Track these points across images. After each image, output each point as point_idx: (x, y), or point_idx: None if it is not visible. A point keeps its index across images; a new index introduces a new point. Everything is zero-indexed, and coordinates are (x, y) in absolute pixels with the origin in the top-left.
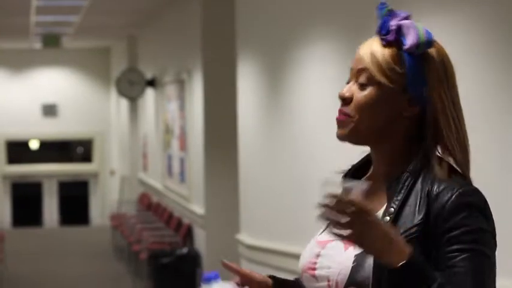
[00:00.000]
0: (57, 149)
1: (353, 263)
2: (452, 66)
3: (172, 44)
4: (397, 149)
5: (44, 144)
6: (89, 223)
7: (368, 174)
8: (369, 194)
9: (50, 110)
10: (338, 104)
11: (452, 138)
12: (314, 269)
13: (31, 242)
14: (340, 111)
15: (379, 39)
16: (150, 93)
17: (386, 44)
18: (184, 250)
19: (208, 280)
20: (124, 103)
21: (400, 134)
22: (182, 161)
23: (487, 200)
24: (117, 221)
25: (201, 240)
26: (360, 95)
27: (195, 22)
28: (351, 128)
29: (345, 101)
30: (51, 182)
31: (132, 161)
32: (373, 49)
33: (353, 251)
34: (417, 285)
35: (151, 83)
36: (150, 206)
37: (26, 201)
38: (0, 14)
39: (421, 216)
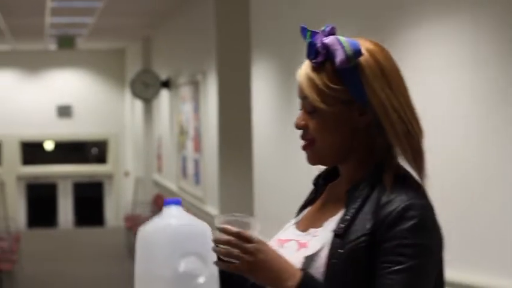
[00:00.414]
0: (72, 150)
1: (302, 265)
2: (392, 63)
3: (186, 45)
4: (360, 158)
5: (58, 145)
6: (103, 224)
7: (338, 178)
8: (333, 199)
9: (64, 111)
10: None
11: (399, 140)
12: None
13: (46, 243)
14: (302, 139)
15: (311, 63)
16: (164, 95)
17: (319, 66)
18: None
19: (169, 203)
20: (138, 104)
21: (360, 143)
22: (197, 163)
23: (494, 195)
24: (132, 222)
25: None
26: (312, 123)
27: (209, 23)
28: (318, 154)
29: (302, 129)
30: (66, 183)
31: (146, 162)
32: (309, 75)
33: (304, 252)
34: None
35: (166, 84)
36: None
37: (41, 202)
38: (15, 16)
39: (370, 226)
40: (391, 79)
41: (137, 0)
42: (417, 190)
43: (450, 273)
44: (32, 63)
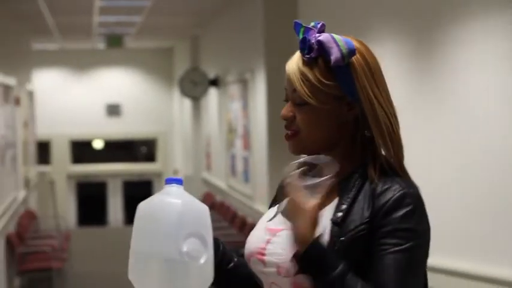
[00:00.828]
0: (121, 149)
1: None
2: (376, 60)
3: (235, 43)
4: (346, 150)
5: (108, 144)
6: None
7: (317, 168)
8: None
9: (113, 110)
10: (405, 102)
11: (382, 134)
12: (263, 254)
13: (96, 241)
14: (287, 129)
15: (303, 57)
16: (213, 93)
17: (311, 62)
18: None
19: (171, 181)
20: (187, 103)
21: (346, 136)
22: (246, 160)
23: (499, 192)
24: None
25: None
26: (301, 115)
27: (257, 21)
28: (302, 144)
29: (289, 120)
30: (115, 181)
31: (195, 160)
32: (301, 69)
33: None
34: (317, 272)
35: (214, 82)
36: (214, 205)
37: (91, 201)
38: (64, 15)
39: (368, 214)
40: (377, 77)
41: None
42: (407, 180)
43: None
44: (80, 62)
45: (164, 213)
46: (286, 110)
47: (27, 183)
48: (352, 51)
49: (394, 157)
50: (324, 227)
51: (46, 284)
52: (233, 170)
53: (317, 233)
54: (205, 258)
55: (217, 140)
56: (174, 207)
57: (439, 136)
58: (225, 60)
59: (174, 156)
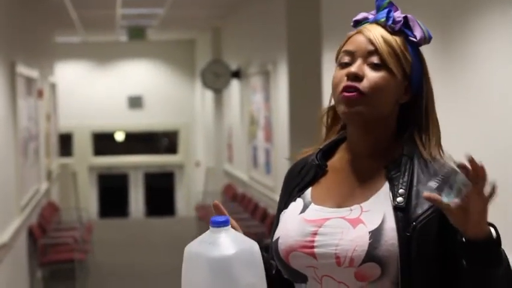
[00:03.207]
0: (143, 141)
1: (369, 239)
2: None
3: (257, 35)
4: (388, 133)
5: (129, 136)
6: (174, 214)
7: (335, 157)
8: (358, 174)
9: (135, 102)
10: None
11: (434, 125)
12: (312, 247)
13: (117, 232)
14: (351, 87)
15: (382, 27)
16: (235, 85)
17: (394, 33)
18: (270, 241)
19: (217, 224)
20: (209, 95)
21: (391, 119)
22: (267, 152)
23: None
24: (203, 212)
25: None
26: (374, 75)
27: (280, 13)
28: (362, 109)
29: (357, 78)
30: (137, 173)
31: (217, 152)
32: (384, 36)
33: (365, 227)
34: (496, 257)
35: (236, 74)
36: (235, 197)
37: (113, 193)
38: (87, 7)
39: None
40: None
41: None
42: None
43: None
44: (103, 54)
45: (219, 268)
46: (356, 68)
47: (49, 175)
48: (430, 37)
49: (438, 145)
50: (383, 213)
51: (68, 275)
52: (255, 162)
53: (379, 219)
54: None
55: (239, 131)
56: (227, 262)
57: (464, 129)
58: (247, 52)
59: (196, 148)
